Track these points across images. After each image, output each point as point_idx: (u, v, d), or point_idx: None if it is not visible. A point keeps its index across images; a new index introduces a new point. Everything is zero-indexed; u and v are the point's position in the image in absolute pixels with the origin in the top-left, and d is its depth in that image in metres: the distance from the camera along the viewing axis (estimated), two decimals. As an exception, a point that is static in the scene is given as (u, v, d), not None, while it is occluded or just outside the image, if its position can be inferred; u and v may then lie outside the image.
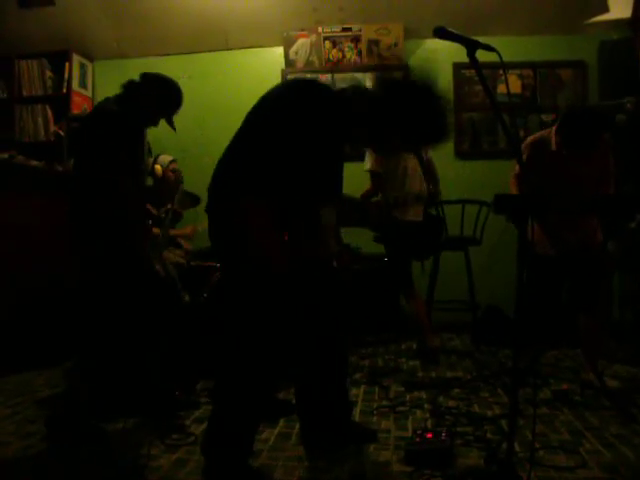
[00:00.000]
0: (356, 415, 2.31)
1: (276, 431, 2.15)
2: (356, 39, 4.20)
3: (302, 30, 4.21)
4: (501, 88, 4.11)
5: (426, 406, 2.40)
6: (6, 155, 3.50)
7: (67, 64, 4.23)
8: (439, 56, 4.09)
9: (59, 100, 4.23)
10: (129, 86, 2.26)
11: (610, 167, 2.64)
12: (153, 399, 2.34)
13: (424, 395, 2.56)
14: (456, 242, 3.47)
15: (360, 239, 3.65)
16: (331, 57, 4.24)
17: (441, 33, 1.47)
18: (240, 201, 1.63)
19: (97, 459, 1.91)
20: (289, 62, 4.27)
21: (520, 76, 4.16)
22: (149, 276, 2.26)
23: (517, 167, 2.74)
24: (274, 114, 1.67)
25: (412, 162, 3.22)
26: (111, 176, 2.07)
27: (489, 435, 2.04)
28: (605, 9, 3.93)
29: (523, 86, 4.17)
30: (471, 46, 1.48)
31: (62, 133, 4.12)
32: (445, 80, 4.15)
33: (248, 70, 4.32)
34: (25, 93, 4.28)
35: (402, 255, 3.27)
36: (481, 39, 1.48)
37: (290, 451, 1.96)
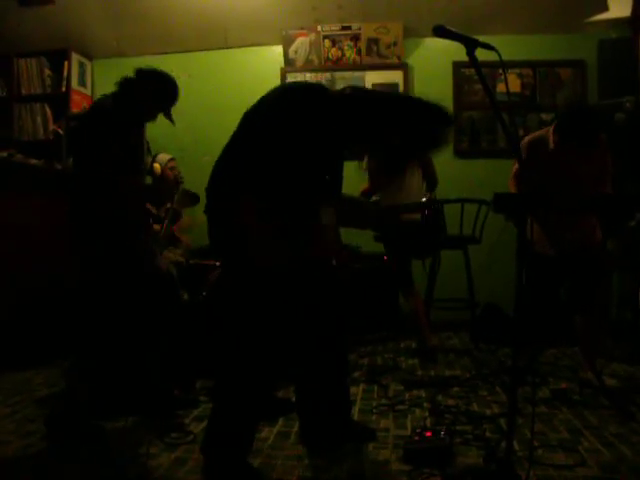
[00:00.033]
0: (355, 414, 2.31)
1: (275, 430, 2.15)
2: (355, 38, 4.19)
3: (301, 29, 4.21)
4: (500, 87, 4.10)
5: (425, 405, 2.41)
6: (5, 154, 3.49)
7: (66, 63, 4.21)
8: (438, 55, 4.10)
9: (58, 99, 4.22)
10: (124, 83, 2.26)
11: (608, 166, 2.64)
12: (152, 398, 2.35)
13: (423, 394, 2.56)
14: (455, 241, 3.47)
15: (360, 238, 3.64)
16: (330, 56, 4.23)
17: (440, 32, 1.47)
18: (239, 200, 1.63)
19: (96, 458, 1.91)
20: (288, 61, 4.26)
21: (519, 75, 4.16)
22: (149, 276, 2.26)
23: (516, 166, 2.74)
24: (273, 115, 1.67)
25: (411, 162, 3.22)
26: (104, 169, 2.06)
27: (488, 434, 2.04)
28: (604, 8, 3.93)
29: (522, 85, 4.16)
30: (470, 45, 1.49)
31: (61, 132, 4.11)
32: (445, 79, 4.16)
33: (247, 69, 4.31)
34: (24, 92, 4.26)
35: (402, 254, 3.28)
36: (480, 38, 1.48)
37: (289, 450, 1.96)
